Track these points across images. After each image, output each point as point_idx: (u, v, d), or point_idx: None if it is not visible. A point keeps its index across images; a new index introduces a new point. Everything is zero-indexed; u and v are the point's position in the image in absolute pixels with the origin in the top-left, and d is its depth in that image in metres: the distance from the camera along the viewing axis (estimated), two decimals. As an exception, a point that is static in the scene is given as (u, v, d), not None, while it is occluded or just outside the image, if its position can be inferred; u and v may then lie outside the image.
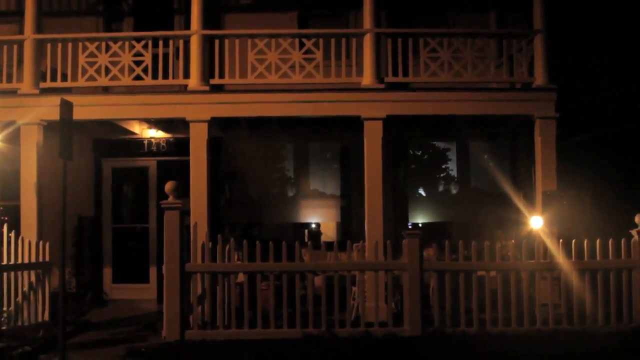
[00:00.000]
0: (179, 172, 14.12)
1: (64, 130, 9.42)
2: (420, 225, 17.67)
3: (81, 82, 14.24)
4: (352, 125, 14.32)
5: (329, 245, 12.38)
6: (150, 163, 17.31)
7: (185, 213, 12.50)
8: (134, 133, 16.84)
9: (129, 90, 14.59)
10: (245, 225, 16.85)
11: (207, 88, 14.11)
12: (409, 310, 11.81)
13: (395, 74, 14.24)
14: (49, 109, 13.06)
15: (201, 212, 13.55)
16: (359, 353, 10.63)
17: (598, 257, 12.07)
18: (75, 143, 15.78)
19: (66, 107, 9.52)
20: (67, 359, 10.69)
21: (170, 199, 11.71)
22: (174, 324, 11.59)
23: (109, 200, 17.37)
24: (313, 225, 17.66)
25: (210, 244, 11.95)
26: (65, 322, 12.88)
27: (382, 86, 14.13)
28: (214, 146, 15.61)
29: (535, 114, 14.04)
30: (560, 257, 12.04)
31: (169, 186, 11.73)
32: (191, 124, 13.90)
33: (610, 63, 19.62)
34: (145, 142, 17.22)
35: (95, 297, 16.50)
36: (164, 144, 17.15)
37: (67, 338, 12.23)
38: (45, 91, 14.07)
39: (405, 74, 14.31)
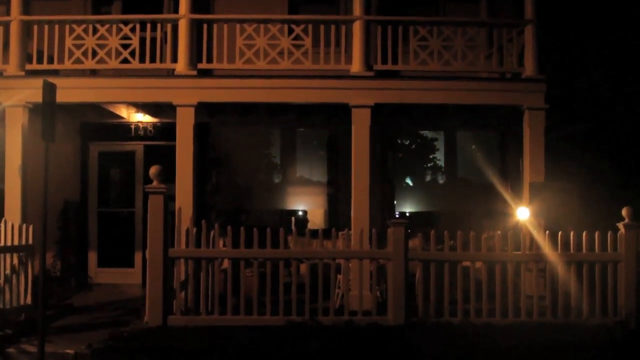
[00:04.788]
0: (166, 157, 14.01)
1: (46, 112, 9.33)
2: (407, 214, 17.65)
3: (67, 64, 14.12)
4: (340, 113, 14.23)
5: (314, 233, 12.31)
6: (137, 147, 17.23)
7: (170, 198, 12.43)
8: (121, 117, 16.75)
9: (117, 74, 14.47)
10: (232, 212, 16.79)
11: (194, 73, 14.01)
12: (392, 299, 11.76)
13: (384, 61, 14.15)
14: (34, 91, 12.82)
15: (186, 197, 13.46)
16: (341, 341, 10.60)
17: (584, 250, 12.04)
18: (62, 126, 15.93)
19: (49, 88, 9.42)
20: (48, 342, 10.60)
21: (155, 183, 11.62)
22: (156, 309, 11.52)
23: (95, 184, 17.29)
24: (300, 213, 17.61)
25: (195, 229, 11.89)
26: (49, 306, 12.94)
27: (371, 74, 14.05)
28: (202, 132, 15.58)
29: (525, 105, 13.98)
30: (546, 249, 11.99)
31: (153, 170, 11.64)
32: (178, 109, 13.80)
33: (601, 56, 19.58)
34: (133, 126, 17.14)
35: (80, 281, 16.48)
36: (151, 129, 17.07)
37: (49, 322, 12.29)
38: (31, 73, 13.93)
39: (395, 62, 14.19)
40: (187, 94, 13.87)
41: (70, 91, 13.61)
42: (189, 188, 13.57)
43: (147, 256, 11.66)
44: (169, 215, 11.85)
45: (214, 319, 11.63)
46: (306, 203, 17.65)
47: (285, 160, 17.88)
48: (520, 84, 14.21)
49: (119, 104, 16.13)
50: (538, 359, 10.22)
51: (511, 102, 14.15)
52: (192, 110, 13.76)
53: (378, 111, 13.97)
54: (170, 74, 14.24)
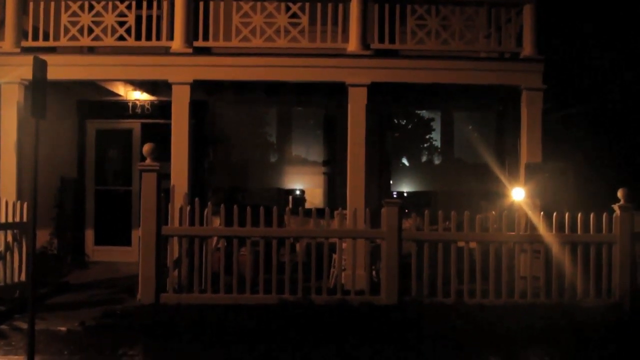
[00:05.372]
0: (164, 135, 13.91)
1: (36, 89, 9.24)
2: (405, 194, 17.59)
3: (63, 41, 14.02)
4: (337, 92, 14.15)
5: (308, 212, 12.27)
6: (135, 125, 17.20)
7: (166, 177, 12.43)
8: (118, 95, 16.69)
9: (113, 51, 14.40)
10: (229, 190, 16.74)
11: (190, 50, 13.91)
12: (385, 279, 11.75)
13: (381, 40, 14.05)
14: (30, 68, 12.77)
15: (181, 175, 13.40)
16: (332, 320, 10.60)
17: (579, 231, 12.00)
18: (59, 104, 15.95)
19: (39, 65, 9.33)
20: (41, 319, 10.64)
21: (148, 161, 11.60)
22: (149, 287, 11.56)
23: (92, 162, 17.26)
24: (297, 192, 17.56)
25: (189, 207, 11.87)
26: (44, 283, 13.00)
27: (367, 53, 13.94)
28: (199, 110, 15.52)
29: (523, 85, 13.86)
30: (540, 230, 11.96)
31: (147, 148, 11.62)
32: (173, 86, 13.71)
33: (601, 39, 19.46)
34: (130, 104, 17.09)
35: (77, 259, 16.44)
36: (149, 107, 17.03)
37: (44, 299, 12.35)
38: (27, 50, 13.81)
39: (392, 41, 14.06)
40: (182, 72, 13.77)
41: (66, 68, 13.61)
42: (184, 166, 13.50)
43: (140, 234, 11.66)
44: (163, 193, 11.85)
45: (206, 297, 11.65)
46: (303, 182, 17.60)
47: (282, 139, 17.81)
48: (518, 63, 14.08)
49: (116, 82, 16.09)
50: (530, 339, 10.22)
51: (509, 82, 14.03)
52: (188, 88, 13.68)
53: (375, 90, 13.86)
54: (167, 51, 14.13)
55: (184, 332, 10.25)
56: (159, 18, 14.21)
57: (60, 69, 12.81)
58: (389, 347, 9.90)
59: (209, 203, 12.07)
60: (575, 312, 11.21)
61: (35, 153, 9.26)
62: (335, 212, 12.23)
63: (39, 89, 9.24)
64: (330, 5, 14.08)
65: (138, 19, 13.91)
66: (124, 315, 11.07)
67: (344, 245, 12.47)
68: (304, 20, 13.96)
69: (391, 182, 17.50)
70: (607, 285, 12.01)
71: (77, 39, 14.09)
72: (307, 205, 16.39)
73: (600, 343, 10.12)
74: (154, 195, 11.59)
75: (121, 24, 14.00)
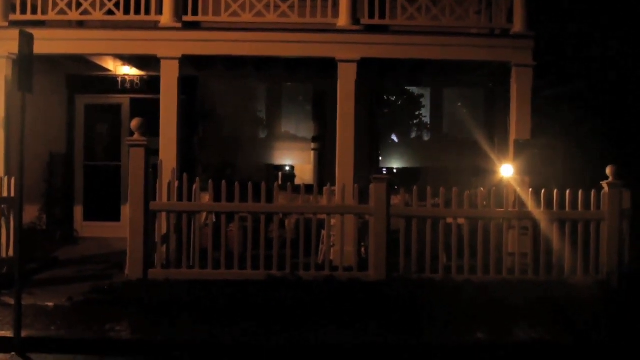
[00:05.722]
0: (153, 110, 13.89)
1: (22, 62, 9.17)
2: (394, 170, 17.57)
3: (52, 15, 13.95)
4: (327, 68, 14.08)
5: (297, 188, 12.25)
6: (124, 100, 17.12)
7: (154, 152, 12.40)
8: (107, 70, 16.61)
9: (103, 25, 14.32)
10: (219, 166, 16.71)
11: (179, 25, 13.83)
12: (374, 255, 11.76)
13: (371, 16, 14.00)
14: (17, 42, 12.76)
15: (170, 151, 13.36)
16: (320, 296, 10.62)
17: (567, 208, 12.00)
18: (48, 79, 15.89)
19: (26, 38, 9.26)
20: (29, 295, 10.68)
21: (136, 135, 11.56)
22: (137, 262, 11.57)
23: (81, 138, 17.17)
24: (287, 168, 17.53)
25: (177, 183, 11.84)
26: (33, 259, 12.98)
27: (357, 28, 13.86)
28: (189, 85, 15.47)
29: (513, 61, 13.81)
30: (529, 207, 11.95)
31: (135, 123, 11.58)
32: (162, 61, 13.64)
33: (592, 18, 19.40)
34: (119, 79, 17.01)
35: (66, 235, 16.40)
36: (138, 82, 16.95)
37: (33, 275, 12.34)
38: (15, 24, 13.62)
39: (382, 16, 13.99)
40: (171, 47, 13.71)
41: (55, 43, 13.55)
42: (172, 141, 13.46)
43: (128, 210, 11.64)
44: (152, 168, 11.81)
45: (194, 272, 11.65)
46: (293, 158, 17.58)
47: (272, 115, 17.78)
48: (508, 40, 14.02)
49: (105, 57, 16.00)
50: (517, 315, 10.25)
51: (499, 58, 13.99)
52: (177, 63, 13.61)
53: (365, 66, 13.82)
54: (156, 26, 14.04)
55: (172, 308, 10.24)
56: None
57: (49, 43, 12.69)
58: (377, 322, 9.88)
59: (197, 178, 12.05)
60: (562, 289, 11.24)
61: (22, 128, 9.21)
62: (324, 189, 12.22)
63: (26, 63, 9.17)
64: (320, -19, 14.01)
65: (127, -8, 13.85)
66: (112, 290, 11.05)
67: (332, 221, 12.48)
68: (294, -6, 13.90)
69: (380, 158, 17.49)
70: (595, 262, 12.03)
71: (66, 13, 14.02)
72: (297, 182, 16.35)
73: (587, 320, 10.10)
74: (141, 170, 11.56)
75: (110, -3, 13.93)
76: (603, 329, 9.80)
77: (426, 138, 18.29)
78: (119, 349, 9.00)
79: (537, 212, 11.90)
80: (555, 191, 11.92)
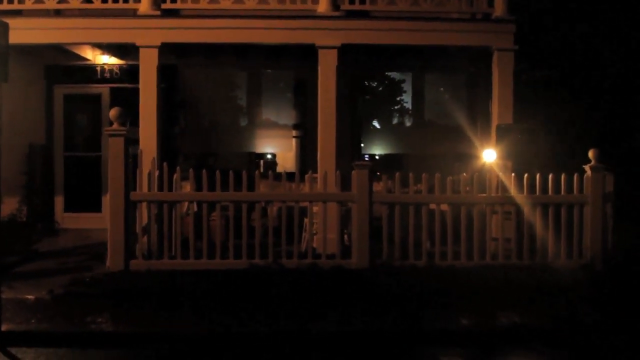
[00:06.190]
0: (133, 99, 13.75)
1: (-3, 52, 9.04)
2: (376, 157, 17.51)
3: (29, 4, 13.75)
4: (307, 54, 13.96)
5: (279, 176, 12.18)
6: (103, 90, 16.94)
7: (135, 142, 12.31)
8: (86, 59, 16.43)
9: (80, 14, 14.17)
10: (200, 155, 16.62)
11: (158, 12, 13.67)
12: (357, 242, 11.72)
13: (351, 1, 13.85)
14: (-7, 31, 12.64)
15: (150, 140, 13.24)
16: (303, 284, 10.57)
17: (550, 192, 11.98)
18: (26, 69, 15.74)
19: (1, 28, 9.10)
20: (9, 288, 10.59)
21: (115, 125, 11.46)
22: (118, 253, 11.48)
23: (60, 128, 16.99)
24: (269, 156, 17.47)
25: (158, 172, 11.75)
26: (13, 251, 12.83)
27: (338, 14, 13.75)
28: (169, 74, 15.31)
29: (494, 46, 13.77)
30: (512, 191, 11.93)
31: (113, 112, 11.48)
32: (141, 49, 13.50)
33: (574, 3, 19.42)
34: (98, 68, 16.81)
35: (47, 227, 16.26)
36: (117, 71, 16.77)
37: (13, 267, 12.23)
38: (-8, 13, 13.58)
39: (362, 1, 13.87)
40: (150, 35, 13.56)
41: (32, 32, 13.42)
42: (152, 130, 13.34)
43: (109, 200, 11.54)
44: (132, 158, 11.72)
45: (176, 263, 11.58)
46: (275, 146, 17.47)
47: (253, 103, 17.62)
48: (489, 24, 13.96)
49: (84, 46, 15.82)
50: (501, 299, 10.23)
51: (480, 43, 13.93)
52: (156, 51, 13.48)
53: (345, 52, 13.73)
54: (134, 14, 13.92)
55: (153, 299, 10.16)
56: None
57: (25, 32, 12.56)
58: (359, 309, 9.84)
59: (178, 168, 11.96)
60: (546, 273, 11.24)
61: (-1, 119, 9.07)
62: (306, 176, 12.15)
63: (1, 53, 9.02)
64: (300, -35, 13.89)
65: (104, -20, 13.70)
66: (93, 282, 10.97)
67: (315, 209, 12.41)
68: (274, -20, 13.79)
69: (362, 144, 17.40)
70: (579, 246, 12.04)
71: (43, 2, 13.85)
72: (279, 169, 16.32)
73: (572, 304, 10.09)
74: (121, 160, 11.45)
75: (87, -14, 13.78)
76: (587, 313, 9.78)
77: (408, 124, 18.24)
78: (101, 341, 8.94)
79: (520, 197, 11.88)
80: (538, 175, 11.90)
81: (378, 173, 13.61)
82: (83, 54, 16.13)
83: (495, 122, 13.71)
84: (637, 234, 13.79)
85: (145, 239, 11.84)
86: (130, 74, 16.20)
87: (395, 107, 18.55)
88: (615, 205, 12.25)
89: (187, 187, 12.01)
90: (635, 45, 19.17)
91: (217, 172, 11.66)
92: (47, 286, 10.87)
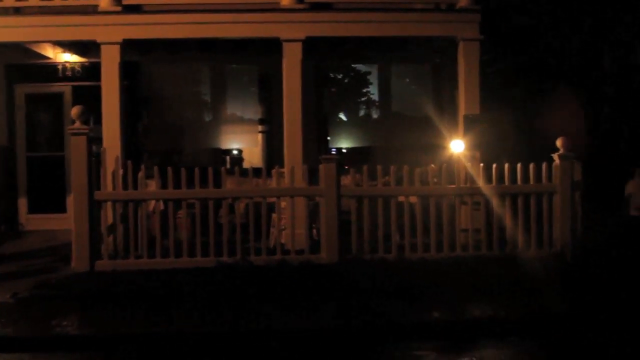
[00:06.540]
0: (96, 97, 13.56)
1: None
2: (344, 150, 17.43)
3: (-15, 3, 13.55)
4: (272, 48, 13.88)
5: (245, 172, 12.05)
6: (65, 89, 16.65)
7: (99, 141, 12.15)
8: (47, 57, 16.16)
9: (40, 11, 13.91)
10: (165, 152, 16.40)
11: (119, 8, 13.47)
12: (325, 237, 11.63)
13: (315, -7, 13.79)
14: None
15: (114, 138, 13.05)
16: (272, 281, 10.48)
17: (519, 182, 11.93)
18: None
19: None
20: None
21: (77, 124, 11.30)
22: (83, 254, 11.32)
23: (22, 128, 16.69)
24: (235, 152, 17.30)
25: (122, 171, 11.58)
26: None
27: (302, 6, 13.61)
28: (131, 71, 15.18)
29: (459, 36, 13.70)
30: (481, 182, 11.87)
31: (75, 111, 11.32)
32: (102, 47, 13.29)
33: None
34: (60, 66, 16.54)
35: (11, 229, 16.02)
36: (80, 69, 16.51)
37: (-25, 271, 11.94)
38: (-51, 13, 13.35)
39: (326, -7, 13.84)
40: (111, 31, 13.34)
41: (-9, 30, 13.16)
42: (115, 129, 13.15)
43: (72, 200, 11.38)
44: (96, 157, 11.54)
45: (142, 262, 11.43)
46: (241, 141, 17.33)
47: (217, 98, 17.47)
48: (454, 14, 13.89)
49: (44, 44, 15.54)
50: (471, 291, 10.22)
51: (445, 33, 13.89)
52: (118, 48, 13.27)
53: (310, 45, 13.63)
54: (95, 10, 13.69)
55: (120, 299, 10.02)
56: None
57: (-15, 31, 12.39)
58: (329, 305, 9.78)
59: (143, 166, 11.79)
60: (517, 264, 11.18)
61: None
62: (273, 171, 12.02)
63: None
64: (261, -42, 13.75)
65: (64, -24, 13.48)
66: (58, 284, 10.78)
67: (282, 204, 12.30)
68: (238, -26, 13.65)
69: (329, 138, 17.31)
70: (549, 235, 11.99)
71: (1, 0, 13.59)
72: (245, 165, 16.15)
73: (542, 293, 10.07)
74: (84, 160, 11.28)
75: (46, -18, 13.55)
76: (558, 302, 9.77)
77: (375, 116, 18.20)
78: (66, 345, 8.76)
79: (489, 187, 11.83)
80: (507, 165, 11.84)
81: (346, 166, 13.52)
82: (44, 53, 15.87)
83: (462, 112, 13.67)
84: (602, 222, 13.84)
85: (110, 238, 11.67)
86: (92, 71, 15.92)
87: (362, 100, 18.49)
88: (584, 194, 12.23)
89: (153, 186, 11.86)
90: (587, 32, 19.27)
91: (183, 169, 11.51)
92: (11, 289, 10.64)
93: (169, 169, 11.46)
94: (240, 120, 17.22)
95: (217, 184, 11.70)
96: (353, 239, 11.69)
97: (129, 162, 11.57)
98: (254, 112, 17.35)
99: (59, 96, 16.71)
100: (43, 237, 15.38)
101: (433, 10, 14.42)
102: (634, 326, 9.19)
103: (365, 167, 11.79)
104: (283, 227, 12.42)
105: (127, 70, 13.76)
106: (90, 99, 13.77)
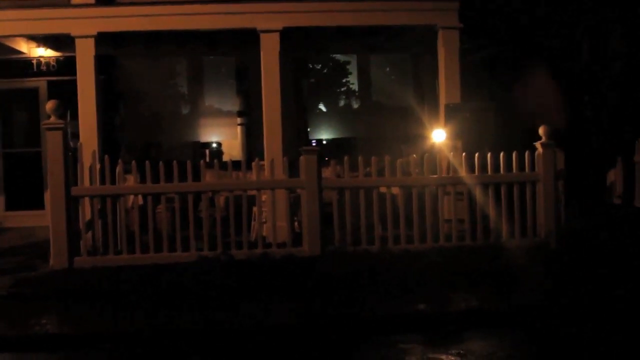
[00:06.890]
0: (71, 92, 13.41)
1: None
2: (324, 142, 17.34)
3: (-44, -3, 13.32)
4: (250, 39, 13.74)
5: (225, 165, 11.91)
6: (40, 84, 16.50)
7: (75, 135, 12.00)
8: (21, 52, 16.00)
9: (11, 5, 13.68)
10: (142, 146, 16.29)
11: (92, 1, 13.34)
12: (307, 229, 11.49)
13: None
14: None
15: (90, 133, 12.91)
16: (254, 274, 10.34)
17: (502, 171, 11.84)
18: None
19: None
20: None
21: (53, 119, 11.06)
22: (61, 251, 11.08)
23: (-2, 125, 16.54)
24: (214, 145, 17.20)
25: (99, 166, 11.40)
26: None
27: (275, -5, 13.54)
28: (107, 64, 15.03)
29: (439, 24, 13.63)
30: (463, 171, 11.76)
31: (50, 105, 11.09)
32: (77, 40, 13.12)
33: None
34: (34, 61, 16.38)
35: (-13, 227, 15.82)
36: (54, 63, 16.36)
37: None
38: None
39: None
40: (86, 24, 13.17)
41: (-38, 26, 12.96)
42: (92, 123, 13.00)
43: (49, 196, 11.19)
44: (72, 152, 11.37)
45: (122, 258, 11.23)
46: (220, 134, 17.24)
47: (195, 91, 17.40)
48: (433, 2, 13.81)
49: (18, 38, 15.37)
50: (456, 281, 10.12)
51: (425, 21, 13.81)
52: (92, 41, 13.11)
53: (288, 36, 13.52)
54: (68, 3, 13.53)
55: (99, 296, 9.84)
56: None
57: (-44, 26, 12.17)
58: (312, 298, 9.65)
59: (120, 160, 11.61)
60: (501, 253, 11.11)
61: None
62: (253, 163, 11.86)
63: None
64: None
65: (36, -32, 13.28)
66: (36, 282, 10.57)
67: (263, 197, 12.14)
68: (211, -36, 13.46)
69: (309, 129, 17.25)
70: (533, 224, 11.91)
71: (-30, -7, 13.40)
72: (225, 158, 16.05)
73: (527, 283, 10.00)
74: (60, 155, 11.06)
75: (18, -25, 13.34)
76: (543, 292, 9.70)
77: (355, 106, 18.12)
78: (45, 344, 8.55)
79: (471, 177, 11.72)
80: (489, 154, 11.74)
81: (327, 158, 13.39)
82: (18, 47, 15.70)
83: (443, 101, 13.59)
84: (585, 211, 13.81)
85: (89, 235, 11.49)
86: (67, 66, 15.76)
87: (342, 90, 18.45)
88: (566, 182, 12.18)
89: (131, 180, 11.68)
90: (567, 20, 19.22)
91: (161, 163, 11.35)
92: (-12, 288, 10.46)
93: (147, 163, 11.29)
94: (219, 113, 17.10)
95: (197, 177, 11.54)
96: (335, 231, 11.57)
97: (107, 156, 11.37)
98: (232, 104, 17.24)
99: (34, 91, 16.56)
100: (21, 234, 15.21)
101: (411, -1, 14.35)
102: (617, 312, 9.13)
103: (346, 158, 11.65)
104: (264, 220, 12.27)
105: (103, 65, 13.64)
106: (66, 94, 13.60)
